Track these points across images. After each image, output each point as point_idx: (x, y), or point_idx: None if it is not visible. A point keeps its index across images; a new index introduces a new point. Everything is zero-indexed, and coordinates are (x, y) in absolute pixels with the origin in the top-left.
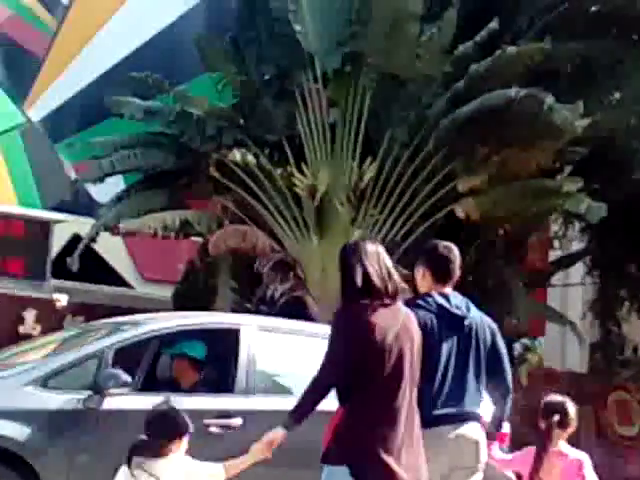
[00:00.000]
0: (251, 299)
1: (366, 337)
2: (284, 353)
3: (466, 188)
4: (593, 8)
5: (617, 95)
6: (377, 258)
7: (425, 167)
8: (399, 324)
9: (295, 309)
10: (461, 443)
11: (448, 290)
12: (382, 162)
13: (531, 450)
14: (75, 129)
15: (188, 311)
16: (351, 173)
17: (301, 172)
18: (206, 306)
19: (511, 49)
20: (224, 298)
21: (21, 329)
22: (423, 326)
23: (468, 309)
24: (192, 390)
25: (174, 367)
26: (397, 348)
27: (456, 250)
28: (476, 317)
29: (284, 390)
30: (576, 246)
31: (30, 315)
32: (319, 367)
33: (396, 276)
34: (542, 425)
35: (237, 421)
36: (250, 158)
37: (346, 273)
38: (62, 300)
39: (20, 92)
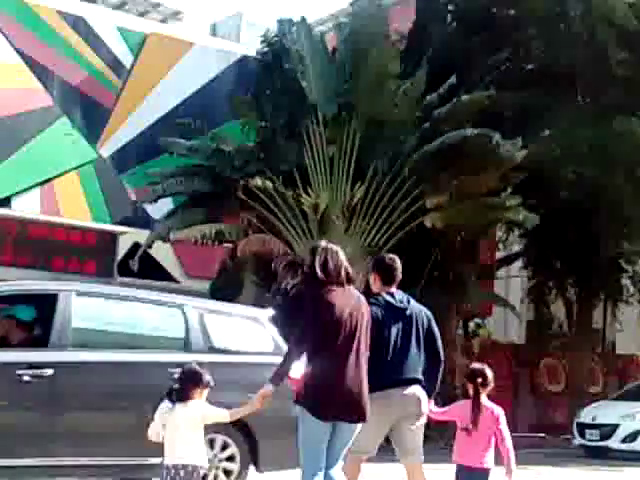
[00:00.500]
0: (269, 290)
1: (327, 311)
2: (99, 314)
3: (432, 205)
4: (529, 66)
5: (547, 132)
6: (335, 255)
7: (401, 189)
8: (352, 303)
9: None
10: (405, 399)
11: (393, 290)
12: (368, 185)
13: (466, 403)
14: (135, 163)
15: (221, 301)
16: (345, 194)
17: (307, 194)
18: (235, 296)
19: (465, 97)
20: (248, 290)
21: None
22: (375, 317)
23: (409, 302)
24: (17, 345)
25: (4, 326)
26: (350, 320)
27: (398, 260)
28: (415, 308)
29: (97, 345)
30: (516, 248)
31: None
32: (292, 338)
33: (349, 269)
34: (470, 386)
35: (48, 371)
36: (268, 184)
37: (312, 262)
38: None
39: (94, 135)
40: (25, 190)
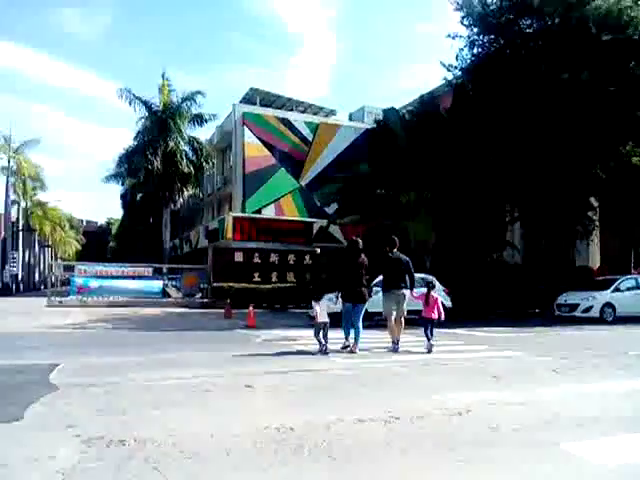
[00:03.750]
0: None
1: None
2: None
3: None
4: None
5: None
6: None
7: (451, 191)
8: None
9: (405, 251)
10: (399, 294)
11: (394, 251)
12: (433, 190)
13: (424, 293)
14: (318, 187)
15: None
16: (424, 194)
17: (404, 195)
18: None
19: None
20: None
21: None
22: (385, 260)
23: (398, 254)
24: None
25: None
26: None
27: (396, 240)
28: (402, 256)
29: None
30: None
31: (307, 256)
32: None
33: None
34: (426, 287)
35: None
36: (384, 192)
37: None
38: (317, 250)
39: (297, 175)
40: (267, 205)
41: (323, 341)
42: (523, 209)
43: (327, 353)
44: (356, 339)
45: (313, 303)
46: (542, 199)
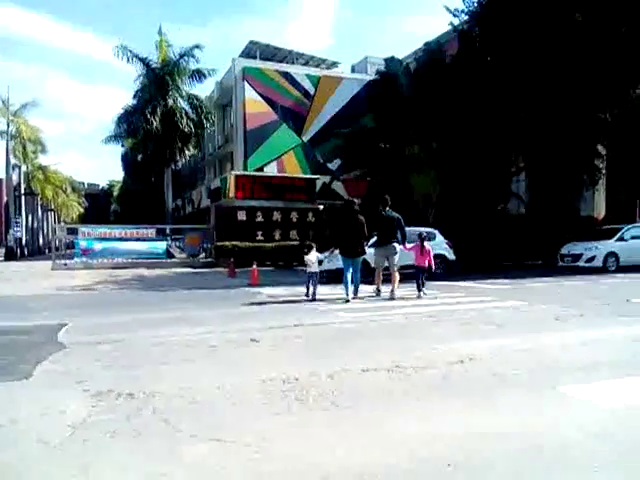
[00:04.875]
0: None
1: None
2: None
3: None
4: None
5: None
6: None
7: (456, 142)
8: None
9: (409, 204)
10: (390, 247)
11: (387, 209)
12: (438, 142)
13: (418, 244)
14: (321, 142)
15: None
16: (429, 146)
17: (408, 148)
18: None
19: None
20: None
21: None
22: (377, 218)
23: (390, 213)
24: None
25: None
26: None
27: (388, 199)
28: (393, 213)
29: None
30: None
31: (311, 213)
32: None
33: None
34: (419, 240)
35: None
36: (389, 145)
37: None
38: (321, 207)
39: (299, 131)
40: (269, 162)
41: (312, 288)
42: (528, 158)
43: (314, 300)
44: (356, 287)
45: (305, 256)
46: (548, 147)
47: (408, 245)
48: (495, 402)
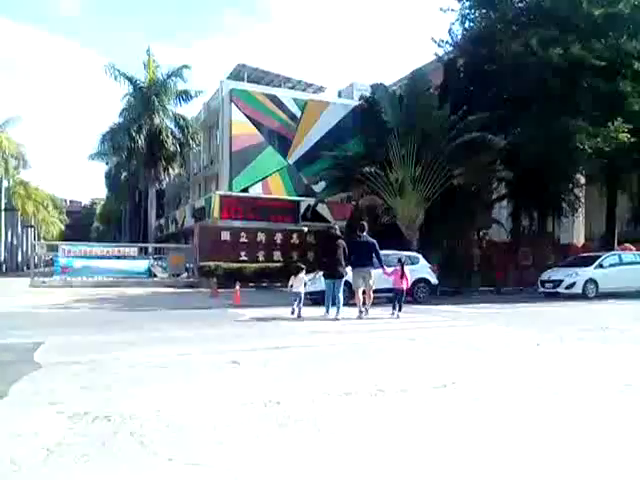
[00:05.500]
0: (373, 225)
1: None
2: None
3: (457, 173)
4: (505, 95)
5: (517, 130)
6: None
7: (440, 166)
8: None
9: (393, 229)
10: (365, 271)
11: (362, 234)
12: (423, 166)
13: (398, 268)
14: (305, 165)
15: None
16: (411, 171)
17: (392, 172)
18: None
19: (471, 117)
20: (366, 224)
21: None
22: (353, 243)
23: (366, 238)
24: None
25: None
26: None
27: (365, 225)
28: (369, 239)
29: None
30: (503, 192)
31: (295, 235)
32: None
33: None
34: (398, 265)
35: None
36: (373, 171)
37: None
38: (305, 229)
39: (285, 153)
40: (254, 184)
41: (296, 308)
42: (510, 186)
43: (299, 317)
44: (338, 308)
45: (292, 277)
46: (529, 175)
47: (389, 269)
48: (475, 429)
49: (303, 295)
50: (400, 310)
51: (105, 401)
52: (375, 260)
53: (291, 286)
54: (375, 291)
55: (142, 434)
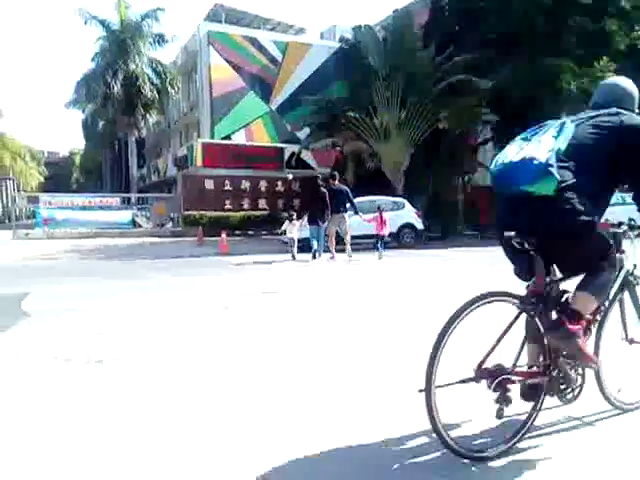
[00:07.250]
0: (358, 171)
1: None
2: None
3: (443, 116)
4: (491, 35)
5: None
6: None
7: (426, 109)
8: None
9: (378, 175)
10: (339, 217)
11: (335, 182)
12: (408, 110)
13: (377, 215)
14: (289, 110)
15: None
16: (396, 115)
17: (376, 117)
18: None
19: (458, 58)
20: (351, 170)
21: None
22: (328, 191)
23: (339, 185)
24: None
25: None
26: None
27: (336, 174)
28: (342, 187)
29: None
30: (488, 135)
31: (280, 183)
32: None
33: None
34: (378, 212)
35: None
36: (358, 116)
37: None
38: (290, 176)
39: (267, 99)
40: (236, 131)
41: (294, 251)
42: (496, 129)
43: (294, 258)
44: (319, 252)
45: (286, 223)
46: (515, 119)
47: (368, 216)
48: None
49: (296, 240)
50: (381, 252)
51: (97, 346)
52: (348, 206)
53: (283, 232)
54: (356, 237)
55: (135, 374)
